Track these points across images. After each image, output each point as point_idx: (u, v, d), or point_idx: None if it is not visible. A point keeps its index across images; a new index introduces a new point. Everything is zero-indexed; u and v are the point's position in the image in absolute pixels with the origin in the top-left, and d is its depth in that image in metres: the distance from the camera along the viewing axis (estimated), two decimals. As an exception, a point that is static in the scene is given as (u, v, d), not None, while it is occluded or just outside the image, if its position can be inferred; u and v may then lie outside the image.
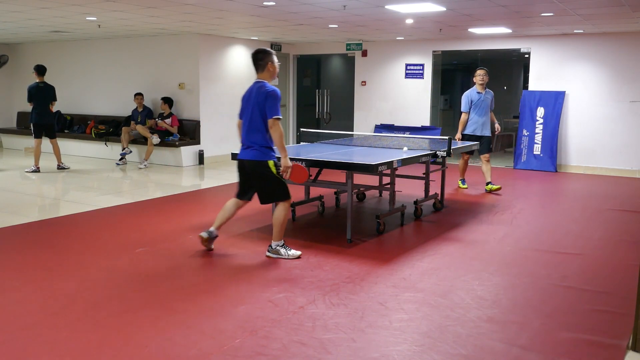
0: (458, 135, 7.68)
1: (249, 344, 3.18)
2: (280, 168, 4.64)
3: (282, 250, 4.77)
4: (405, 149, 6.17)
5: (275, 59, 4.77)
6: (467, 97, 7.66)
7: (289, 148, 7.08)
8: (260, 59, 4.70)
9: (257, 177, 4.71)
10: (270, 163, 4.62)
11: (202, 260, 4.75)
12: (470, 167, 8.16)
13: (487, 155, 7.71)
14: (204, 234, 4.89)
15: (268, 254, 4.81)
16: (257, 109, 4.60)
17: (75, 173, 9.33)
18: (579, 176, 9.52)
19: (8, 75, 13.03)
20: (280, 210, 4.74)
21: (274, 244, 4.80)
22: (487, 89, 7.68)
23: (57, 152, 9.50)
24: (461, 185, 8.05)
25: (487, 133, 7.67)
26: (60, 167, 9.52)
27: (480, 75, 7.57)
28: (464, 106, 7.69)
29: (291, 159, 5.34)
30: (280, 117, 4.57)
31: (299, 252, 4.80)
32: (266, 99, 4.56)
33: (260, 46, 5.14)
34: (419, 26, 8.80)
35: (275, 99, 4.58)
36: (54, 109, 9.54)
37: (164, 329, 3.38)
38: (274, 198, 4.78)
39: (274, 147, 4.67)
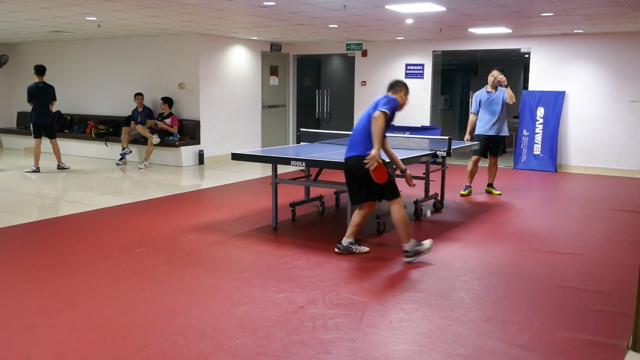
0: (466, 137, 7.60)
1: (249, 344, 3.18)
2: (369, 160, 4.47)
3: (418, 248, 4.66)
4: (428, 214, 6.20)
5: (408, 95, 4.89)
6: (476, 97, 7.55)
7: (289, 148, 7.09)
8: (397, 84, 4.82)
9: (358, 174, 4.64)
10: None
11: (202, 261, 4.75)
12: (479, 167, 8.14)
13: (494, 157, 7.55)
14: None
15: (406, 260, 4.67)
16: (372, 109, 4.64)
17: (75, 173, 9.33)
18: (579, 176, 9.52)
19: (8, 75, 13.03)
20: (394, 210, 4.63)
21: (406, 246, 4.66)
22: (500, 88, 7.38)
23: (57, 152, 9.50)
24: (462, 192, 7.66)
25: (500, 133, 7.40)
26: (60, 167, 9.53)
27: (491, 76, 7.41)
28: (472, 107, 7.63)
29: (293, 159, 5.38)
30: (387, 112, 4.49)
31: (428, 248, 4.69)
32: (384, 99, 4.62)
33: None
34: (419, 26, 8.80)
35: (393, 101, 4.61)
36: (54, 108, 9.54)
37: (164, 329, 3.38)
38: (382, 196, 4.68)
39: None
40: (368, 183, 4.57)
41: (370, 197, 4.71)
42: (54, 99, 9.38)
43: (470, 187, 7.76)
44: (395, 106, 4.63)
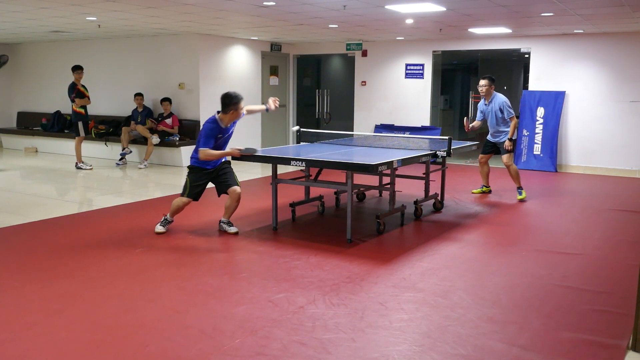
0: (467, 123, 7.31)
1: (249, 344, 3.18)
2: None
3: (161, 223, 5.60)
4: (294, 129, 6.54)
5: (241, 104, 5.38)
6: (478, 107, 7.47)
7: (289, 148, 7.09)
8: (225, 104, 5.32)
9: None
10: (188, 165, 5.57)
11: (202, 261, 4.76)
12: (501, 170, 8.11)
13: (504, 157, 7.27)
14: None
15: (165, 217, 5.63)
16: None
17: (76, 173, 9.33)
18: (579, 176, 9.52)
19: (8, 75, 13.02)
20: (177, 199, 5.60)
21: (168, 216, 5.61)
22: (496, 96, 7.21)
23: (75, 150, 9.79)
24: (473, 190, 7.72)
25: (502, 139, 7.22)
26: (78, 167, 9.64)
27: (479, 86, 7.30)
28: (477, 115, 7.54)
29: (293, 159, 5.41)
30: (205, 149, 5.30)
31: (163, 231, 5.55)
32: (203, 131, 5.39)
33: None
34: (419, 26, 8.80)
35: (207, 131, 5.32)
36: (78, 107, 9.51)
37: (164, 329, 3.38)
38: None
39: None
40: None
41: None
42: (69, 98, 9.52)
43: (486, 186, 7.67)
44: (208, 133, 5.28)
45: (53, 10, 7.47)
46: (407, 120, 11.29)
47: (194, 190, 5.49)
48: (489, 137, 7.45)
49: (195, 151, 5.42)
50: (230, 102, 5.27)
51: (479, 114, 7.46)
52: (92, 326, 3.41)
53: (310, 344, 3.19)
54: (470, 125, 7.33)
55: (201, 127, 5.44)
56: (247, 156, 5.50)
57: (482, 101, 7.43)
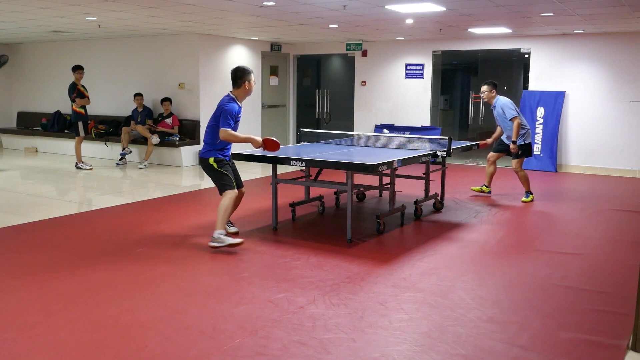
0: (485, 140, 7.41)
1: (249, 344, 3.18)
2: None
3: (223, 238, 4.95)
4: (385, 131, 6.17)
5: (253, 77, 5.12)
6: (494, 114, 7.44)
7: (289, 148, 7.09)
8: (237, 77, 5.06)
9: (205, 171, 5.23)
10: (211, 160, 5.08)
11: (202, 261, 4.75)
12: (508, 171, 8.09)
13: (513, 162, 7.19)
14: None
15: (211, 244, 4.96)
16: (216, 112, 5.08)
17: (76, 173, 9.33)
18: (579, 176, 9.52)
19: (8, 75, 13.03)
20: (222, 199, 5.03)
21: (216, 233, 4.96)
22: (498, 100, 7.12)
23: (74, 150, 9.76)
24: (473, 187, 7.69)
25: (508, 141, 7.16)
26: (78, 167, 9.61)
27: (480, 92, 7.27)
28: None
29: (293, 159, 5.40)
30: (227, 129, 4.94)
31: (238, 240, 4.99)
32: (221, 110, 5.00)
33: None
34: (419, 26, 8.80)
35: (227, 111, 4.95)
36: (78, 107, 9.46)
37: (164, 329, 3.38)
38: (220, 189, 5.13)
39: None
40: (212, 177, 5.18)
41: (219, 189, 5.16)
42: (70, 98, 9.49)
43: (487, 186, 7.59)
44: (230, 112, 4.94)
45: (53, 10, 7.47)
46: (407, 120, 11.29)
47: (234, 180, 5.14)
48: (503, 137, 7.34)
49: (208, 144, 5.08)
50: (243, 74, 5.03)
51: (496, 120, 7.38)
52: (92, 326, 3.41)
53: (310, 344, 3.19)
54: (484, 141, 7.33)
55: (211, 117, 5.14)
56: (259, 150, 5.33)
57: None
